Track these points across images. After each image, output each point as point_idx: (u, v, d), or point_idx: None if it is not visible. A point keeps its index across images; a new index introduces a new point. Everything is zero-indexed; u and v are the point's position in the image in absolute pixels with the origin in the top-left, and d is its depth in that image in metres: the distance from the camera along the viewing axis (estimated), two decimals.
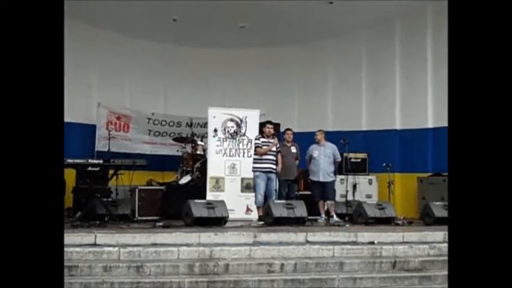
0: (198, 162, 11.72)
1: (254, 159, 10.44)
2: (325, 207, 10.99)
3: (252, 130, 11.31)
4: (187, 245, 7.44)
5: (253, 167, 10.37)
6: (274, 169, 10.25)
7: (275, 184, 10.23)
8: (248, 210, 10.91)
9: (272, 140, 10.36)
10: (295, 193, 11.18)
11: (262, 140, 10.38)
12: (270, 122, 10.67)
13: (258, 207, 10.26)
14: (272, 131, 10.53)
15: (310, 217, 10.00)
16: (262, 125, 10.87)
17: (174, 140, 13.20)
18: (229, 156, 11.30)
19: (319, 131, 11.35)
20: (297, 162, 11.22)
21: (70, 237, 7.31)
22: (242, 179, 11.21)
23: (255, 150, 10.46)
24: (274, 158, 10.30)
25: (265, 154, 10.26)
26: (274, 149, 10.35)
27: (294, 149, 11.10)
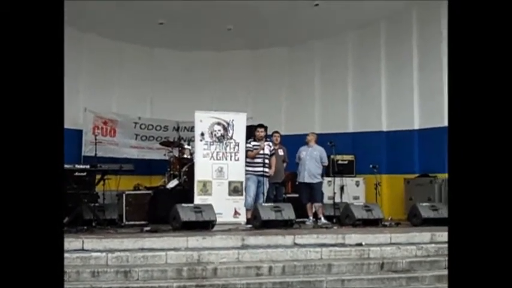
0: (185, 166, 11.70)
1: (246, 162, 10.53)
2: (313, 210, 11.02)
3: (239, 133, 11.30)
4: (175, 249, 7.43)
5: (246, 170, 10.47)
6: (266, 172, 10.27)
7: (264, 187, 10.24)
8: (236, 213, 10.90)
9: (259, 144, 10.37)
10: (282, 196, 11.21)
11: (253, 143, 10.45)
12: (261, 126, 10.69)
13: (247, 210, 10.28)
14: (263, 134, 10.57)
15: (298, 219, 10.01)
16: (250, 128, 10.88)
17: (161, 144, 13.16)
18: (217, 159, 11.28)
19: (311, 133, 11.41)
20: (285, 164, 11.26)
21: None
22: (229, 183, 11.18)
23: (246, 154, 10.50)
24: (266, 161, 10.31)
25: (256, 157, 10.28)
26: (267, 152, 10.37)
27: (281, 152, 11.14)
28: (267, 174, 10.29)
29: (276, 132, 11.40)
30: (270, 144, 10.59)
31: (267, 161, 10.32)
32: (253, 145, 10.40)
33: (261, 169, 10.26)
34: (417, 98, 12.86)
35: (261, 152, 10.35)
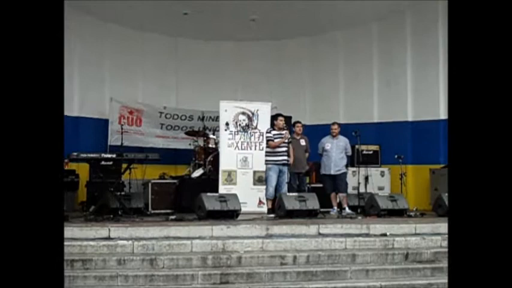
0: (210, 156, 11.75)
1: (267, 152, 10.43)
2: (337, 200, 11.00)
3: (263, 123, 11.34)
4: (200, 238, 7.49)
5: (266, 160, 10.36)
6: (287, 161, 10.24)
7: (286, 177, 10.23)
8: (260, 203, 10.93)
9: (283, 132, 10.33)
10: (305, 186, 11.20)
11: (273, 132, 10.36)
12: (281, 115, 10.66)
13: (268, 200, 10.27)
14: (283, 123, 10.51)
15: (322, 209, 10.01)
16: (273, 118, 10.87)
17: (186, 133, 13.23)
18: (241, 149, 11.33)
19: (336, 123, 11.34)
20: (307, 155, 11.22)
21: (84, 231, 7.40)
22: (254, 172, 11.24)
23: (267, 143, 10.46)
24: (287, 150, 10.29)
25: (278, 147, 10.25)
26: (286, 141, 10.34)
27: (303, 142, 11.09)
28: (289, 162, 10.27)
29: (298, 122, 11.37)
30: (288, 132, 10.52)
31: (287, 149, 10.29)
32: (274, 134, 10.33)
33: (283, 158, 10.21)
34: (443, 88, 12.71)
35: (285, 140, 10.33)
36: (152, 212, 10.67)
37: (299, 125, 11.26)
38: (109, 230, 7.50)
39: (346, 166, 11.22)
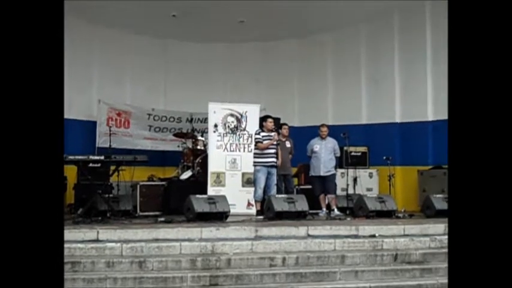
0: (199, 158, 11.74)
1: (255, 153, 10.43)
2: (326, 201, 11.02)
3: (252, 125, 11.33)
4: (189, 240, 7.48)
5: (254, 162, 10.36)
6: (275, 163, 10.25)
7: (275, 179, 10.23)
8: (249, 204, 10.93)
9: (272, 134, 10.34)
10: (293, 187, 11.21)
11: (262, 134, 10.36)
12: (269, 117, 10.67)
13: (256, 202, 10.27)
14: (273, 125, 10.52)
15: (311, 211, 10.01)
16: (262, 120, 10.87)
17: (175, 135, 13.21)
18: (230, 151, 11.33)
19: (325, 125, 11.36)
20: (290, 156, 11.23)
21: (72, 234, 7.36)
22: (243, 174, 11.23)
23: (255, 145, 10.45)
24: (275, 152, 10.30)
25: (267, 148, 10.25)
26: (275, 142, 10.34)
27: (288, 144, 11.14)
28: (277, 164, 10.28)
29: (285, 124, 11.40)
30: (277, 134, 10.53)
31: (275, 151, 10.30)
32: (263, 136, 10.34)
33: (271, 160, 10.23)
34: (431, 89, 12.79)
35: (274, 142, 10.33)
36: (141, 214, 10.64)
37: (286, 127, 11.30)
38: (97, 232, 7.47)
39: (335, 167, 11.24)
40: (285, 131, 11.19)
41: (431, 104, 12.80)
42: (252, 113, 11.52)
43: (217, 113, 11.41)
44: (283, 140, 11.01)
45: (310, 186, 11.40)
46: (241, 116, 11.45)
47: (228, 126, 11.37)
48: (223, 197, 9.49)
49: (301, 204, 9.65)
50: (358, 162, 12.46)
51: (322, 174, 10.98)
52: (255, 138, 10.48)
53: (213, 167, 11.17)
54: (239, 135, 11.41)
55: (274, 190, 10.15)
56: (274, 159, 10.23)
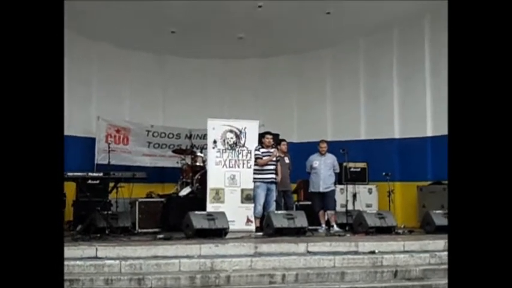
0: (198, 174, 11.73)
1: (255, 170, 10.42)
2: (326, 217, 10.99)
3: (251, 141, 11.33)
4: (188, 257, 7.44)
5: (254, 178, 10.34)
6: (275, 179, 10.24)
7: (274, 195, 10.22)
8: (248, 221, 10.89)
9: (272, 150, 10.34)
10: (292, 203, 11.19)
11: (262, 150, 10.35)
12: (269, 133, 10.67)
13: (256, 218, 10.24)
14: (272, 141, 10.53)
15: (310, 227, 9.98)
16: (261, 136, 10.88)
17: (174, 151, 13.19)
18: (229, 167, 11.31)
19: (324, 141, 11.36)
20: (288, 172, 11.24)
21: (71, 251, 7.32)
22: (242, 190, 11.21)
23: (255, 161, 10.45)
24: (275, 168, 10.30)
25: (266, 165, 10.25)
26: (274, 159, 10.34)
27: (287, 160, 11.17)
28: (276, 181, 10.27)
29: (283, 140, 11.42)
30: (277, 150, 10.53)
31: (275, 168, 10.30)
32: (262, 152, 10.33)
33: (271, 176, 10.22)
34: (430, 104, 12.81)
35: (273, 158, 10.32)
36: (140, 231, 10.59)
37: (284, 143, 11.33)
38: (96, 249, 7.44)
39: (335, 183, 11.22)
40: (283, 147, 11.21)
41: (430, 120, 12.82)
42: (251, 129, 11.52)
43: (216, 129, 11.41)
44: (282, 156, 11.02)
45: (309, 202, 11.38)
46: (241, 132, 11.45)
47: (227, 143, 11.36)
48: (223, 214, 9.46)
49: (301, 221, 9.63)
50: (358, 178, 12.45)
51: (321, 190, 10.97)
52: (255, 155, 10.47)
53: (212, 183, 11.15)
54: (238, 151, 11.40)
55: (273, 206, 10.13)
56: (273, 176, 10.23)
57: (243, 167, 11.31)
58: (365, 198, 12.30)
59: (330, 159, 11.15)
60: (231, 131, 11.43)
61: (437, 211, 10.35)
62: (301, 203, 11.83)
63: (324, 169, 11.02)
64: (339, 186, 11.74)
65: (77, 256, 7.24)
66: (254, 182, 10.33)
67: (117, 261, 7.09)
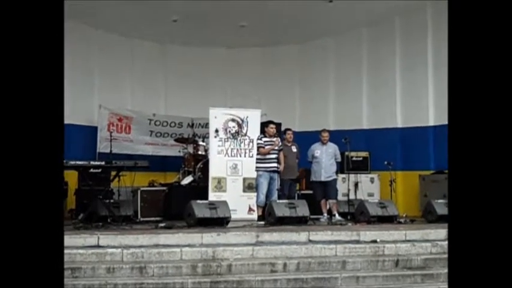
0: (200, 163, 11.72)
1: (257, 159, 10.42)
2: (327, 206, 10.99)
3: (253, 130, 11.33)
4: (189, 245, 7.45)
5: (257, 167, 10.35)
6: (277, 168, 10.25)
7: (277, 184, 10.23)
8: (250, 210, 10.91)
9: (274, 139, 10.35)
10: (295, 192, 11.20)
11: (264, 139, 10.36)
12: (271, 122, 10.66)
13: (258, 207, 10.26)
14: (274, 130, 10.53)
15: (312, 216, 10.01)
16: (263, 125, 10.87)
17: (176, 140, 13.20)
18: (231, 156, 11.32)
19: (326, 130, 11.34)
20: (297, 161, 11.25)
21: (73, 239, 7.35)
22: (244, 179, 11.22)
23: (257, 150, 10.45)
24: (277, 157, 10.30)
25: (268, 154, 10.25)
26: (276, 148, 10.34)
27: (294, 149, 11.15)
28: (279, 170, 10.28)
29: (289, 129, 11.41)
30: (279, 140, 10.53)
31: (277, 157, 10.30)
32: (265, 141, 10.34)
33: (273, 165, 10.23)
34: (432, 94, 12.78)
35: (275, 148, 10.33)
36: (141, 219, 10.61)
37: (290, 132, 11.30)
38: (98, 238, 7.45)
39: (336, 173, 11.22)
40: (288, 136, 11.20)
41: (432, 109, 12.79)
42: (253, 118, 11.51)
43: (218, 118, 11.40)
44: (289, 145, 11.02)
45: (311, 192, 11.38)
46: (242, 121, 11.44)
47: (229, 132, 11.36)
48: (224, 203, 9.47)
49: (302, 210, 9.64)
50: (359, 167, 12.46)
51: (323, 179, 10.96)
52: (257, 144, 10.48)
53: (214, 172, 11.16)
54: (240, 140, 11.39)
55: (275, 195, 10.14)
56: (276, 165, 10.23)
57: (245, 156, 11.31)
58: (367, 187, 12.31)
59: (332, 148, 11.14)
60: (233, 120, 11.42)
61: (439, 200, 10.34)
62: (302, 192, 11.85)
63: (325, 158, 11.01)
64: (340, 175, 11.75)
65: (79, 244, 7.26)
66: (257, 171, 10.34)
67: (119, 250, 7.11)
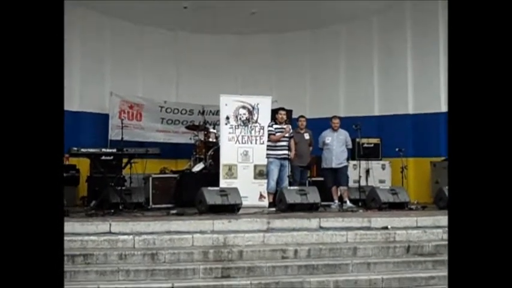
0: (211, 150, 11.74)
1: (268, 146, 10.43)
2: (338, 193, 10.99)
3: (264, 117, 11.33)
4: (201, 232, 7.48)
5: (267, 154, 10.36)
6: (288, 155, 10.25)
7: (288, 170, 10.23)
8: (261, 197, 10.94)
9: (285, 127, 10.34)
10: (306, 179, 11.20)
11: (275, 126, 10.36)
12: (282, 109, 10.65)
13: (269, 194, 10.27)
14: (285, 117, 10.52)
15: (323, 203, 10.01)
16: (274, 112, 10.86)
17: (187, 128, 13.22)
18: (242, 143, 11.33)
19: (336, 117, 11.32)
20: (311, 148, 11.25)
21: (85, 226, 7.40)
22: (255, 166, 11.24)
23: (268, 137, 10.45)
24: (288, 144, 10.30)
25: (279, 141, 10.25)
26: (287, 135, 10.33)
27: (307, 136, 11.13)
28: (290, 157, 10.28)
29: (302, 116, 11.39)
30: (290, 127, 10.52)
31: (288, 144, 10.30)
32: (275, 128, 10.34)
33: (284, 152, 10.23)
34: (443, 80, 12.69)
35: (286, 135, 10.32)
36: (153, 206, 10.66)
37: (302, 119, 11.29)
38: (110, 224, 7.50)
39: (347, 159, 11.21)
40: (300, 123, 11.18)
41: (444, 95, 12.70)
42: (264, 105, 11.51)
43: (229, 105, 11.40)
44: (302, 132, 11.02)
45: (322, 178, 11.38)
46: (253, 108, 11.44)
47: (240, 119, 11.36)
48: (235, 189, 9.49)
49: (313, 196, 9.64)
50: (371, 154, 12.44)
51: (334, 166, 10.95)
52: (268, 131, 10.47)
53: (225, 159, 11.18)
54: (251, 127, 11.40)
55: (286, 182, 10.15)
56: (286, 152, 10.23)
57: (255, 143, 11.33)
58: (378, 174, 12.31)
59: (342, 135, 11.12)
60: (243, 107, 11.42)
61: None
62: (313, 178, 11.84)
63: (336, 145, 10.99)
64: (351, 162, 11.72)
65: (91, 231, 7.31)
66: (267, 158, 10.34)
67: (131, 237, 7.16)
